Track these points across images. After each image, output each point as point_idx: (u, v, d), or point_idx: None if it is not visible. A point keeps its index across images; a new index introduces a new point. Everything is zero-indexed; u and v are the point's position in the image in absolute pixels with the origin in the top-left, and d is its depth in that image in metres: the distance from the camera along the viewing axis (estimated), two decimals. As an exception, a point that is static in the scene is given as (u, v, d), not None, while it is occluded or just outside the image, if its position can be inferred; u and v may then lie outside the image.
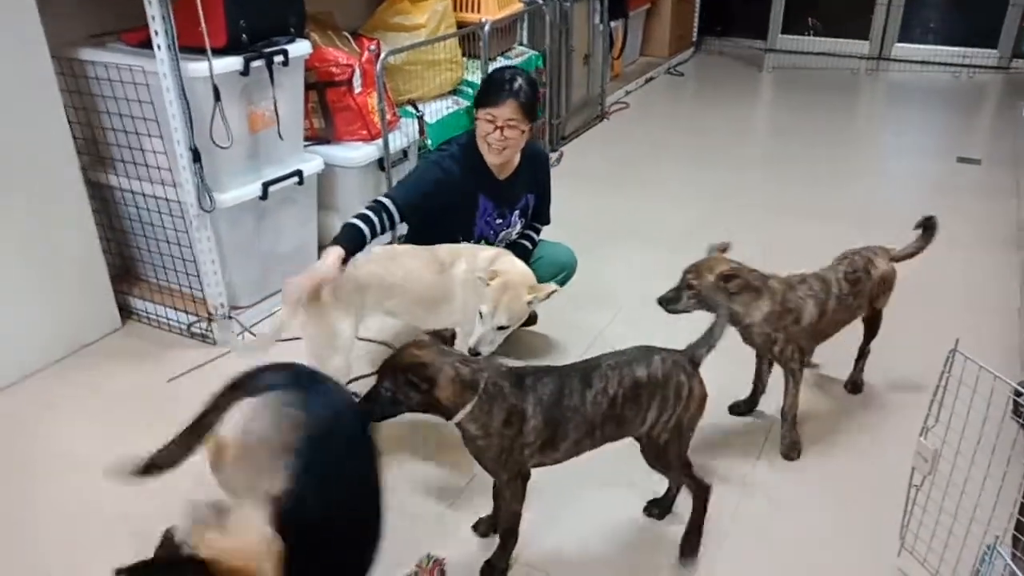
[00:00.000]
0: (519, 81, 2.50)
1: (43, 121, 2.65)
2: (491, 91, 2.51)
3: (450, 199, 2.54)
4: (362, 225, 2.33)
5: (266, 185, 2.95)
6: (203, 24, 2.50)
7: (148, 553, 1.45)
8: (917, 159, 4.99)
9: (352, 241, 2.31)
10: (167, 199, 2.85)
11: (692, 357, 1.88)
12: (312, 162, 3.16)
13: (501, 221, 2.71)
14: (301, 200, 3.20)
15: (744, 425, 2.55)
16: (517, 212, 2.74)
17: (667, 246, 3.62)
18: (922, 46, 7.02)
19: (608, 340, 2.87)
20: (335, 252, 2.25)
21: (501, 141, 2.50)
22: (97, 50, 2.78)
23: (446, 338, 2.66)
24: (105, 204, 3.07)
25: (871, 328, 2.62)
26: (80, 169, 2.80)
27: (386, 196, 2.45)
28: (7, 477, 2.36)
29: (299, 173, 3.08)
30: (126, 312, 3.12)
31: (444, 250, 2.42)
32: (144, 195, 2.93)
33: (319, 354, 2.28)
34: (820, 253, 2.55)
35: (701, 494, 2.00)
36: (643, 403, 1.82)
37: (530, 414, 1.75)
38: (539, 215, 2.87)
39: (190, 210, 2.77)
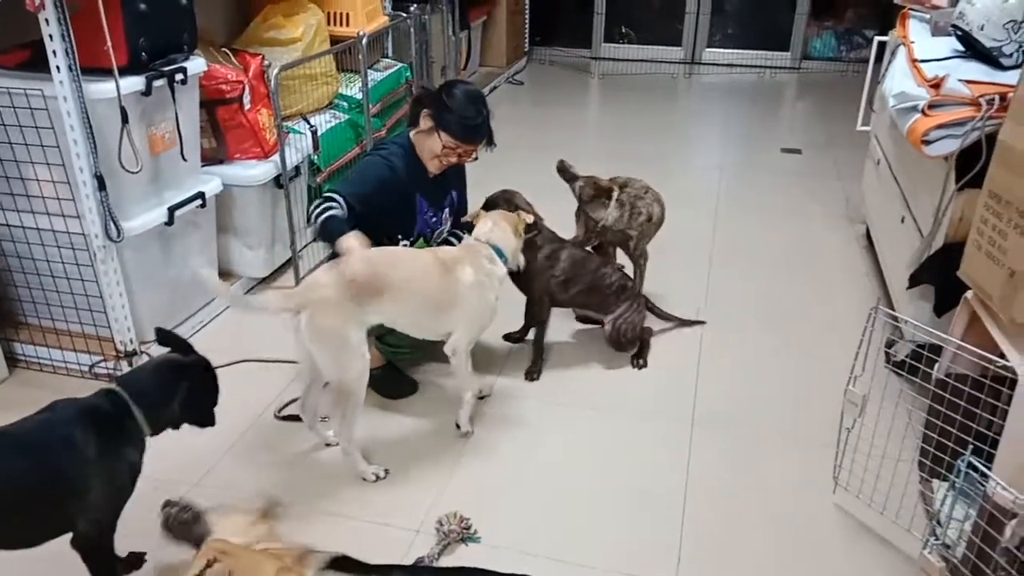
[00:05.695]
0: (488, 118, 2.56)
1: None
2: (467, 131, 2.53)
3: (392, 198, 2.54)
4: (340, 214, 2.34)
5: (172, 210, 2.81)
6: (109, 42, 2.35)
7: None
8: (745, 151, 5.55)
9: (344, 228, 2.33)
10: (67, 232, 2.63)
11: None
12: (212, 183, 3.04)
13: (436, 219, 2.73)
14: (203, 223, 3.06)
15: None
16: (447, 209, 2.78)
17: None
18: (728, 50, 7.78)
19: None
20: (354, 236, 2.29)
21: (453, 163, 2.61)
22: (-27, 74, 2.52)
23: None
24: (-24, 243, 2.77)
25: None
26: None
27: (332, 192, 2.42)
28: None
29: (202, 195, 2.95)
30: (11, 360, 2.84)
31: (442, 252, 2.42)
32: (33, 228, 2.68)
33: (340, 363, 2.22)
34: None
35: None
36: None
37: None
38: (461, 211, 2.87)
39: (95, 241, 2.58)
